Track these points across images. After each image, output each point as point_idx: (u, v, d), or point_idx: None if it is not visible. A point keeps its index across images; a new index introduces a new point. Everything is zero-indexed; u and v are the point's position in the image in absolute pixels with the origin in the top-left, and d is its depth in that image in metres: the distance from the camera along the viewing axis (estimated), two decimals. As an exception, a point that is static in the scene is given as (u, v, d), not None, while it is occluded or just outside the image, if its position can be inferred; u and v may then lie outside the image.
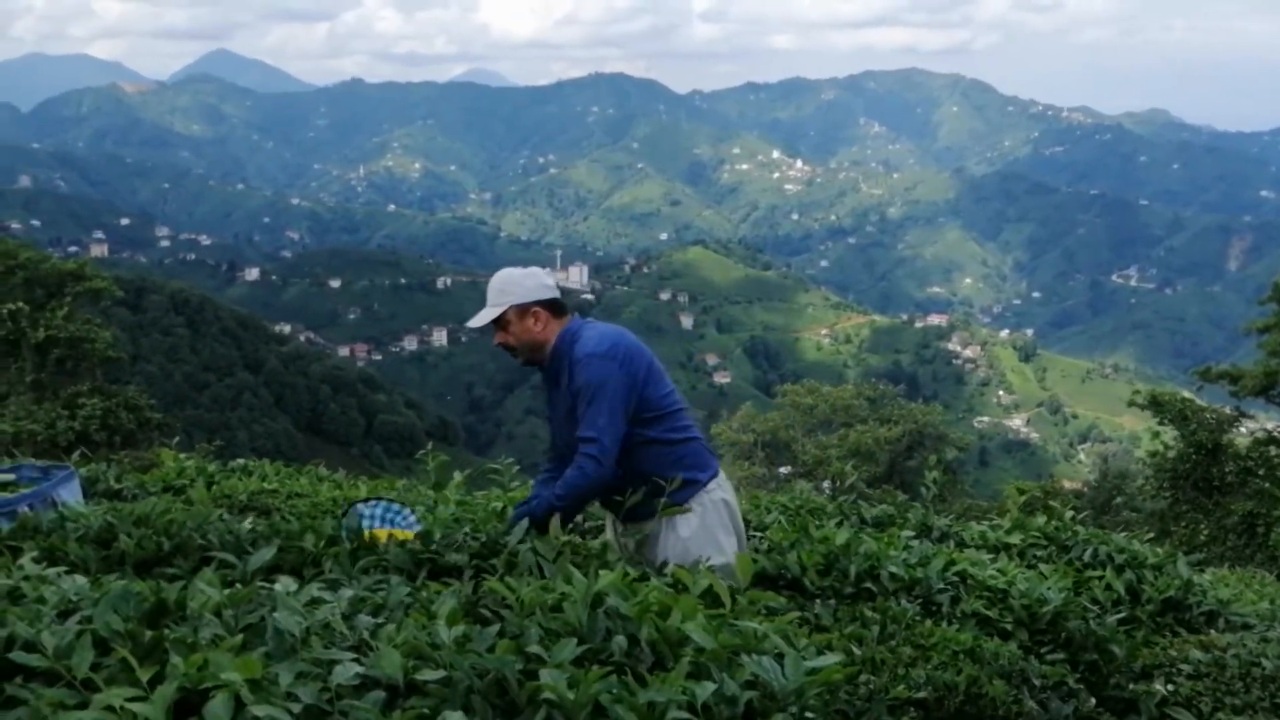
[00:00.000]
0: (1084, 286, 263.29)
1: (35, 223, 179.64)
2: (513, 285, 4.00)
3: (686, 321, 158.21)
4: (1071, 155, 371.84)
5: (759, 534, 4.74)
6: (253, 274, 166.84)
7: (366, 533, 3.60)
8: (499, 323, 4.01)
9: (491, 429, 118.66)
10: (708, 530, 3.97)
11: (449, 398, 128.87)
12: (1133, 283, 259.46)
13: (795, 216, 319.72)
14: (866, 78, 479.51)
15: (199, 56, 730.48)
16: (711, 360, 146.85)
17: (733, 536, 4.06)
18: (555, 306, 4.03)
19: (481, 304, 4.05)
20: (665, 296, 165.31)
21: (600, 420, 3.84)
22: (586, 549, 3.57)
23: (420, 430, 77.33)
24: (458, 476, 5.80)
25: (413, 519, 4.00)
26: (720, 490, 4.09)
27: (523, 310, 3.98)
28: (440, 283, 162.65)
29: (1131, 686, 3.39)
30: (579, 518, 4.65)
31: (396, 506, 4.03)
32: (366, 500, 4.12)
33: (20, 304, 23.72)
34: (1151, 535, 5.70)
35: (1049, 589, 3.79)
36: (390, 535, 3.63)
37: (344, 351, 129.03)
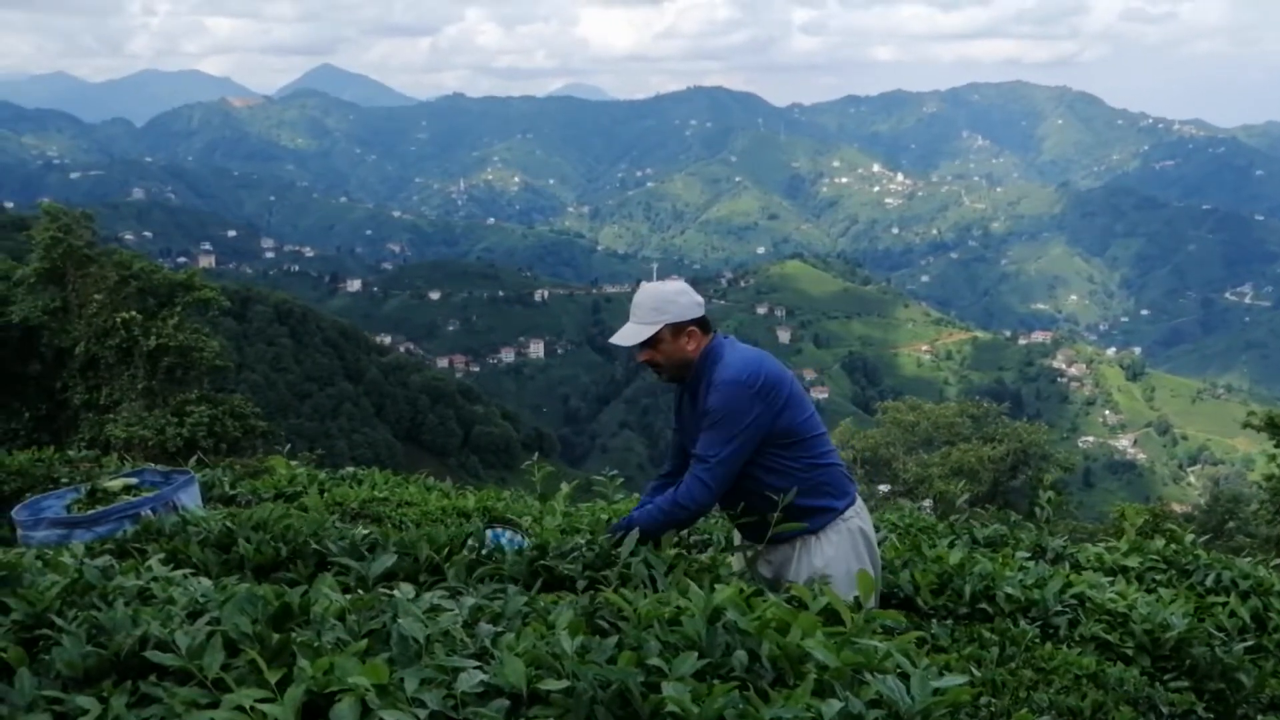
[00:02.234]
0: (1195, 304, 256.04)
1: (147, 234, 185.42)
2: (667, 304, 3.85)
3: (783, 336, 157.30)
4: (1183, 169, 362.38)
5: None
6: (354, 285, 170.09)
7: None
8: (649, 340, 3.87)
9: (586, 441, 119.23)
10: (842, 560, 3.82)
11: (545, 409, 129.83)
12: (1247, 300, 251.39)
13: (895, 230, 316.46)
14: (970, 90, 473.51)
15: (305, 72, 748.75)
16: (809, 375, 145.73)
17: (868, 567, 3.85)
18: (705, 324, 3.93)
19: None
20: (762, 311, 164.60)
21: (722, 450, 3.71)
22: (699, 563, 3.55)
23: (516, 441, 77.99)
24: (564, 487, 5.81)
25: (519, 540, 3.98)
26: (857, 519, 3.93)
27: (678, 329, 3.86)
28: (538, 295, 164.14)
29: (1260, 718, 3.28)
30: (685, 533, 4.62)
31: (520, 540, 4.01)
32: (494, 525, 4.11)
33: (133, 313, 24.41)
34: (1278, 562, 5.50)
35: (1171, 614, 3.68)
36: None
37: (443, 363, 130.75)
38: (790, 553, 3.87)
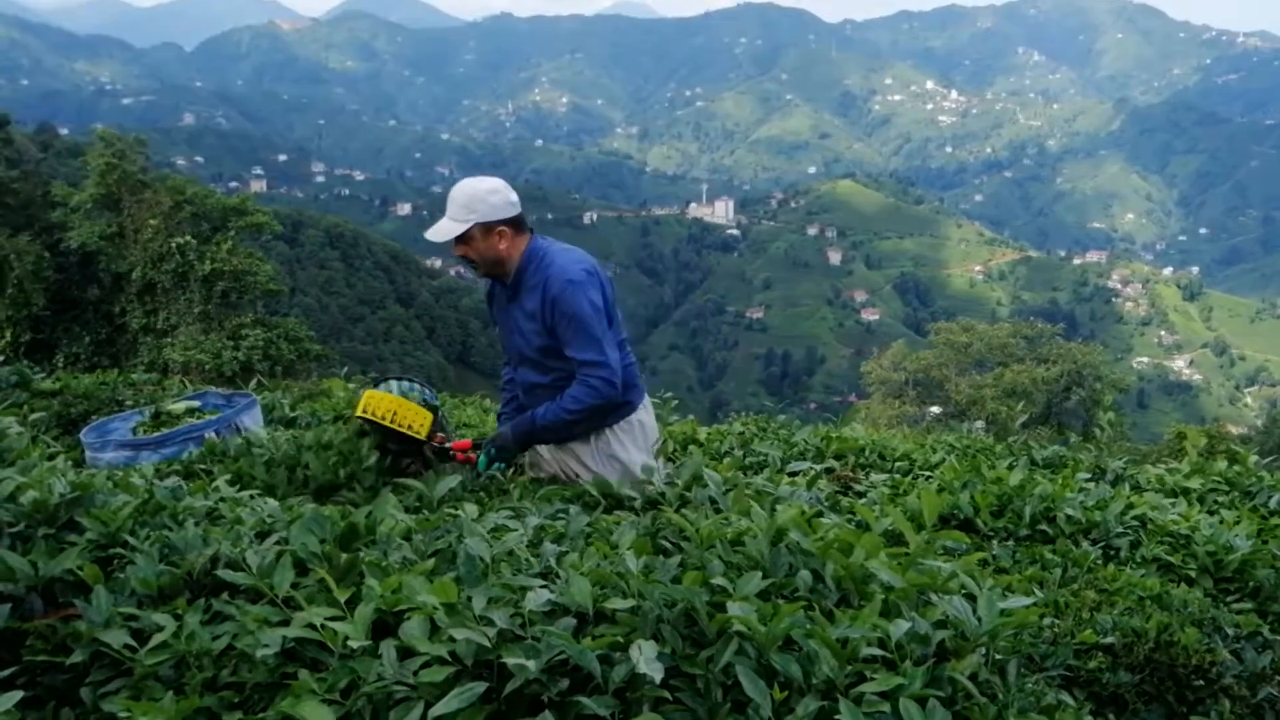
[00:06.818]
0: (1256, 222, 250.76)
1: (199, 159, 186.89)
2: (478, 203, 3.83)
3: (834, 257, 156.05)
4: (1246, 83, 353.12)
5: (927, 473, 4.66)
6: (404, 209, 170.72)
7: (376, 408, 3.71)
8: (461, 237, 3.86)
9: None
10: (638, 449, 4.02)
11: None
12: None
13: (949, 149, 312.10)
14: (1026, 4, 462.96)
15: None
16: (860, 297, 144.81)
17: (650, 456, 4.06)
18: (518, 223, 3.92)
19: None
20: (813, 231, 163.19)
21: (604, 346, 3.81)
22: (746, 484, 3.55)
23: (567, 364, 78.34)
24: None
25: (429, 394, 4.06)
26: (646, 412, 4.17)
27: (488, 228, 3.85)
28: (586, 218, 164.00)
29: (1326, 641, 3.24)
30: (742, 455, 4.61)
31: (416, 385, 4.12)
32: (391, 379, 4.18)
33: (188, 238, 24.65)
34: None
35: (1235, 536, 3.64)
36: (400, 405, 3.75)
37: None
38: (584, 446, 3.99)
